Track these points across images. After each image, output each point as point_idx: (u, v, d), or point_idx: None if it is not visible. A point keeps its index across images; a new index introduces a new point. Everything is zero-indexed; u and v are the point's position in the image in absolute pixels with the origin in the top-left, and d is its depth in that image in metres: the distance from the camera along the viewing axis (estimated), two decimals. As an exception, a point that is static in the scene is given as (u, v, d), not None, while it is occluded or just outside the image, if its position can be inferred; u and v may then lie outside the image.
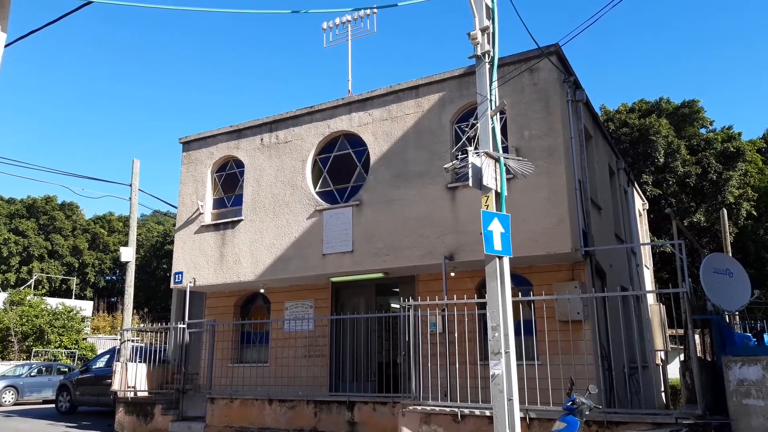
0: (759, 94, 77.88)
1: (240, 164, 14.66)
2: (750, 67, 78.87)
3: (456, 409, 8.17)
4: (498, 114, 7.59)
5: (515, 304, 7.63)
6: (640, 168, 25.99)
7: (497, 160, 7.41)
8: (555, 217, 10.35)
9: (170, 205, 26.18)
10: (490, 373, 6.90)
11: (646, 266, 18.44)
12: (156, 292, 49.38)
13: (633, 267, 15.43)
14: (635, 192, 18.69)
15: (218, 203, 15.03)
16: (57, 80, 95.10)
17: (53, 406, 19.40)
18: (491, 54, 7.51)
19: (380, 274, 12.38)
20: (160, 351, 14.89)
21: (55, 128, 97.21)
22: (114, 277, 60.73)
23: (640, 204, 19.61)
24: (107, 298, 53.43)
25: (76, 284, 51.77)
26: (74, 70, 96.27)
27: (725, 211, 20.85)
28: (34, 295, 36.39)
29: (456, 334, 9.10)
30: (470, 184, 7.17)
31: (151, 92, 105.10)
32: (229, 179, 14.96)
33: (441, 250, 11.31)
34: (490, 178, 7.23)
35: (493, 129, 7.43)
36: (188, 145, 15.52)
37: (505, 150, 9.65)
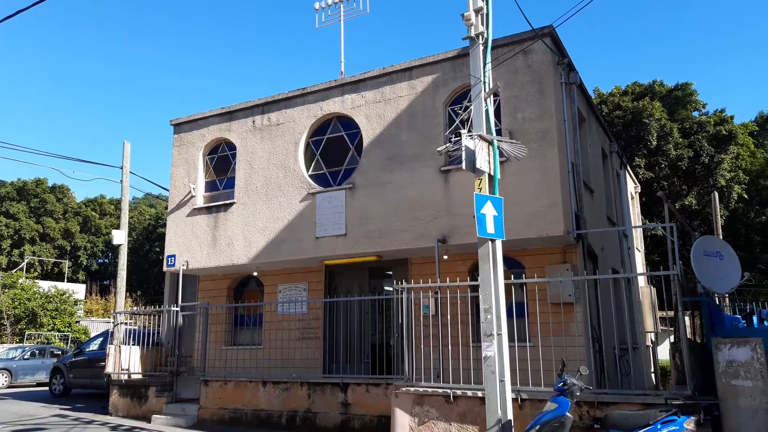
0: (752, 77, 77.97)
1: (232, 147, 14.56)
2: (743, 50, 78.86)
3: (449, 391, 8.24)
4: (491, 96, 7.56)
5: (507, 287, 7.66)
6: (633, 151, 26.03)
7: (490, 142, 7.40)
8: (547, 200, 10.37)
9: (162, 187, 26.04)
10: (483, 355, 6.95)
11: (637, 249, 18.55)
12: (149, 275, 49.27)
13: (625, 250, 15.53)
14: (628, 175, 18.74)
15: (210, 186, 14.95)
16: (48, 62, 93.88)
17: (47, 388, 19.44)
18: (485, 35, 7.45)
19: (373, 257, 12.40)
20: (153, 334, 14.90)
21: (46, 110, 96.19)
22: (106, 260, 60.52)
23: (632, 187, 19.67)
24: (100, 281, 53.29)
25: (68, 267, 51.59)
26: (65, 52, 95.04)
27: (716, 194, 20.95)
28: (26, 278, 36.23)
29: (449, 317, 9.15)
30: (463, 167, 7.17)
31: (141, 74, 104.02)
32: (221, 162, 14.87)
33: (434, 233, 11.32)
34: (483, 161, 7.22)
35: (487, 111, 7.40)
36: (179, 127, 15.39)
37: (499, 133, 9.62)
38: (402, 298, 9.31)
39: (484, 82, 7.42)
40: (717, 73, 79.32)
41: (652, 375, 15.64)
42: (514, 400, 7.59)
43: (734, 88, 78.51)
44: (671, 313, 19.08)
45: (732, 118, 28.64)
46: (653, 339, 15.71)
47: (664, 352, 18.38)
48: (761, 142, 32.98)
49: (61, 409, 14.90)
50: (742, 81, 79.60)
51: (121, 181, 18.06)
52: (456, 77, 11.66)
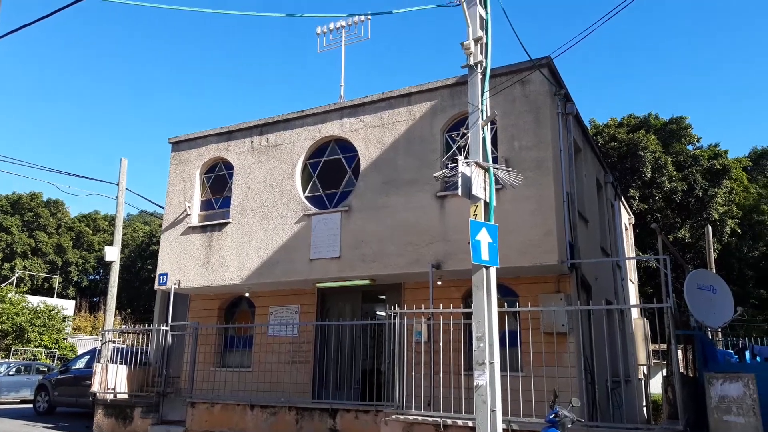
0: (746, 113, 79.01)
1: (229, 166, 14.58)
2: (738, 86, 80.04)
3: (439, 419, 8.14)
4: (489, 124, 7.62)
5: (501, 315, 7.63)
6: (628, 182, 26.21)
7: (487, 170, 7.43)
8: (542, 229, 10.38)
9: (157, 205, 26.04)
10: (474, 384, 6.88)
11: (631, 280, 18.55)
12: (140, 293, 48.88)
13: (618, 281, 15.52)
14: (622, 206, 18.83)
15: (206, 205, 14.93)
16: (47, 77, 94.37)
17: (31, 406, 19.09)
18: (484, 64, 7.54)
19: (367, 281, 12.34)
20: (141, 353, 14.71)
21: (43, 124, 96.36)
22: (97, 277, 60.07)
23: (626, 218, 19.75)
24: (90, 297, 52.84)
25: (59, 283, 51.16)
26: (65, 68, 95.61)
27: (710, 228, 21.04)
28: (16, 292, 35.87)
29: (441, 344, 9.07)
30: (459, 193, 7.18)
31: (142, 93, 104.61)
32: (218, 181, 14.87)
33: (428, 258, 11.30)
34: (479, 188, 7.24)
35: (484, 139, 7.45)
36: (177, 145, 15.42)
37: (495, 160, 9.67)
38: (395, 324, 9.25)
39: (482, 110, 7.48)
40: (711, 108, 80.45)
41: (644, 408, 15.49)
42: (505, 430, 7.50)
43: (728, 123, 79.56)
44: (664, 346, 19.01)
45: (726, 152, 28.96)
46: (645, 372, 15.60)
47: (656, 386, 18.24)
48: (755, 177, 33.30)
49: (44, 427, 14.63)
50: (736, 116, 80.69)
51: (117, 197, 18.02)
52: (454, 104, 11.76)
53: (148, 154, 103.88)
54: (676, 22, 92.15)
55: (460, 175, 7.16)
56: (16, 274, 47.34)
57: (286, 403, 11.07)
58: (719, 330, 14.35)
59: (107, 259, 17.25)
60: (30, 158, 73.88)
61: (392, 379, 9.01)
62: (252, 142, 14.22)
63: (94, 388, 14.24)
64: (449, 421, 8.04)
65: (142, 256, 51.42)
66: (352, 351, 12.17)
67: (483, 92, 7.53)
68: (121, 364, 14.59)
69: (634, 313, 16.05)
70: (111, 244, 17.78)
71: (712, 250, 19.82)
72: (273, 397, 11.57)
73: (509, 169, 8.07)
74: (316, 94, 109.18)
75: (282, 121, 13.90)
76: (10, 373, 22.43)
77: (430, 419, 8.19)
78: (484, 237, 7.10)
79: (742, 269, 29.15)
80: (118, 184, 18.11)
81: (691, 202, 27.12)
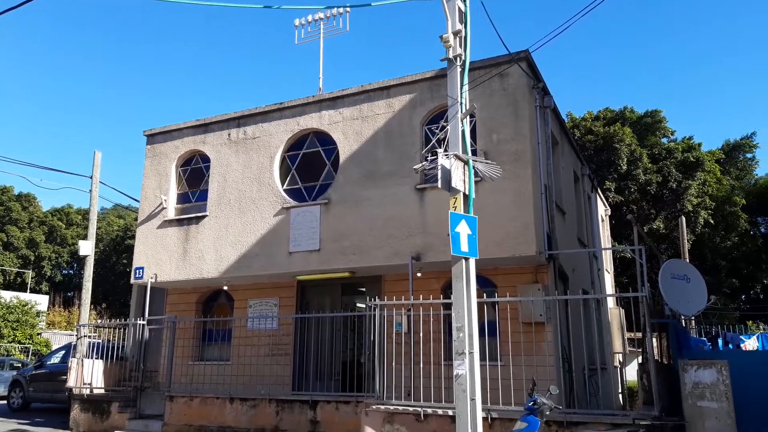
0: (719, 106, 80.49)
1: (206, 159, 14.42)
2: (712, 80, 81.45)
3: (419, 409, 8.20)
4: (468, 117, 7.65)
5: (480, 305, 7.69)
6: (604, 175, 26.54)
7: (466, 162, 7.46)
8: (520, 221, 10.48)
9: (132, 198, 25.63)
10: (454, 373, 6.94)
11: (606, 271, 18.83)
12: (115, 288, 48.17)
13: (594, 271, 15.75)
14: (598, 198, 19.08)
15: (182, 198, 14.76)
16: (18, 70, 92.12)
17: (4, 402, 18.76)
18: (463, 57, 7.56)
19: (347, 274, 12.33)
20: (118, 348, 14.54)
21: (14, 117, 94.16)
22: (71, 272, 59.06)
23: (602, 210, 20.03)
24: (64, 292, 51.95)
25: (32, 278, 50.18)
26: (36, 61, 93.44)
27: (684, 219, 21.45)
28: (-13, 288, 35.14)
29: (421, 334, 9.13)
30: (439, 186, 7.20)
31: (116, 87, 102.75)
32: (194, 174, 14.70)
33: (408, 250, 11.33)
34: (458, 180, 7.28)
35: (463, 132, 7.48)
36: (153, 138, 15.20)
37: (474, 153, 9.71)
38: (375, 315, 9.28)
39: (461, 103, 7.50)
40: (686, 102, 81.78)
41: (620, 395, 15.79)
42: (485, 418, 7.59)
43: (702, 117, 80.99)
44: (639, 335, 19.36)
45: (700, 145, 29.43)
46: (621, 360, 15.89)
47: (631, 373, 18.58)
48: (727, 169, 33.92)
49: (19, 423, 14.41)
50: (709, 110, 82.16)
51: (90, 190, 17.71)
52: (433, 97, 11.78)
53: (123, 147, 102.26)
54: (651, 18, 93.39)
55: (439, 167, 7.18)
56: (-13, 270, 46.31)
57: (266, 395, 11.05)
58: (693, 318, 14.66)
59: (81, 253, 16.96)
60: (0, 151, 72.16)
61: (372, 370, 9.05)
62: (229, 134, 14.08)
63: (70, 383, 14.05)
64: (429, 411, 8.11)
65: (116, 250, 50.63)
66: (332, 343, 12.17)
67: (462, 85, 7.55)
68: (97, 358, 14.44)
69: (610, 302, 16.33)
70: (85, 238, 17.50)
71: (685, 241, 20.22)
72: (252, 390, 11.53)
73: (488, 161, 8.12)
74: (294, 87, 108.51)
75: (260, 113, 13.78)
76: (-17, 369, 21.99)
77: (411, 408, 8.25)
78: (463, 229, 7.14)
79: (715, 259, 29.77)
80: (91, 177, 17.80)
81: (666, 193, 27.57)
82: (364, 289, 12.90)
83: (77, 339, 14.93)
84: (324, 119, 12.97)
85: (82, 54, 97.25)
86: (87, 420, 13.28)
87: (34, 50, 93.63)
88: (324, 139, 13.11)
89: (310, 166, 13.25)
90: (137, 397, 12.80)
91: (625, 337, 14.61)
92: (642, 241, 13.94)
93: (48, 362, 17.93)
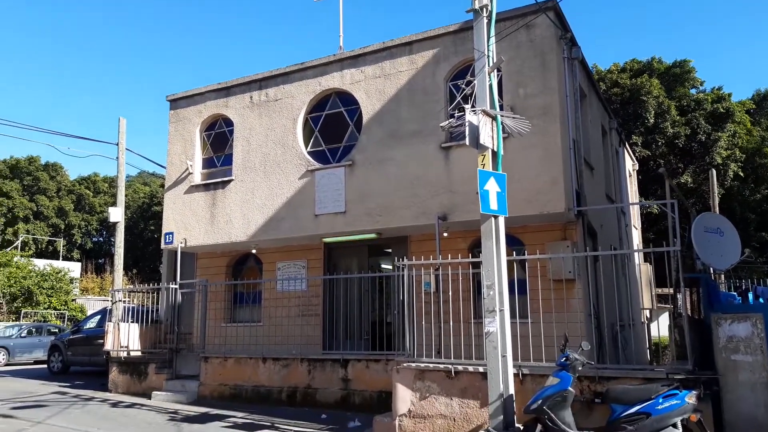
0: (749, 56, 77.63)
1: (229, 123, 14.41)
2: (742, 28, 78.36)
3: (450, 366, 8.26)
4: (495, 71, 7.46)
5: (509, 264, 7.65)
6: (630, 129, 25.94)
7: (494, 118, 7.32)
8: (549, 177, 10.33)
9: (158, 164, 25.75)
10: (485, 330, 6.97)
11: (634, 226, 18.59)
12: (144, 254, 49.20)
13: (623, 227, 15.55)
14: (626, 152, 18.69)
15: (208, 163, 14.83)
16: (43, 38, 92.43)
17: (45, 366, 19.47)
18: (489, 8, 7.34)
19: (373, 235, 12.36)
20: (151, 311, 14.90)
21: (40, 86, 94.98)
22: (101, 239, 60.36)
23: (630, 164, 19.64)
24: (95, 259, 53.20)
25: (63, 246, 51.42)
26: (60, 30, 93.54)
27: (714, 172, 20.94)
28: (21, 256, 36.08)
29: (449, 293, 9.15)
30: (467, 143, 7.10)
31: (138, 50, 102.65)
32: (219, 138, 14.72)
33: (434, 210, 11.28)
34: (486, 137, 7.15)
35: (491, 86, 7.32)
36: (176, 103, 15.20)
37: (501, 108, 9.53)
38: (403, 275, 9.29)
39: (488, 56, 7.31)
40: (715, 51, 78.98)
41: (647, 351, 15.78)
42: (516, 375, 7.62)
43: (732, 66, 78.26)
44: (666, 290, 19.19)
45: (729, 95, 28.51)
46: (648, 315, 15.81)
47: (658, 329, 18.51)
48: (758, 120, 32.93)
49: (60, 386, 14.94)
50: (739, 59, 79.32)
51: (117, 158, 17.86)
52: (457, 52, 11.51)
53: (147, 113, 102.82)
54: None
55: (467, 123, 7.06)
56: (20, 239, 47.53)
57: (298, 355, 11.27)
58: (722, 273, 14.45)
59: (111, 219, 17.21)
60: (26, 120, 73.13)
61: (402, 329, 9.12)
62: (251, 97, 14.01)
63: (108, 346, 14.49)
64: (460, 368, 8.17)
65: (144, 217, 51.51)
66: (360, 303, 12.30)
67: (489, 37, 7.34)
68: (132, 322, 14.81)
69: (638, 258, 16.17)
70: (113, 205, 17.75)
71: (716, 195, 19.79)
72: (284, 350, 11.76)
73: (517, 116, 7.95)
74: (314, 46, 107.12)
75: (281, 74, 13.65)
76: (22, 335, 22.80)
77: (442, 366, 8.31)
78: (492, 186, 7.05)
79: (744, 213, 29.18)
80: (117, 145, 17.93)
81: (694, 146, 26.90)
82: (390, 250, 12.93)
83: (112, 304, 15.32)
84: (346, 78, 12.80)
85: (105, 21, 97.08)
86: (125, 381, 13.73)
87: (58, 18, 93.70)
88: (346, 99, 12.97)
89: (333, 127, 13.16)
90: (173, 359, 13.17)
91: (653, 293, 14.51)
92: (674, 194, 13.68)
93: (84, 327, 18.47)
